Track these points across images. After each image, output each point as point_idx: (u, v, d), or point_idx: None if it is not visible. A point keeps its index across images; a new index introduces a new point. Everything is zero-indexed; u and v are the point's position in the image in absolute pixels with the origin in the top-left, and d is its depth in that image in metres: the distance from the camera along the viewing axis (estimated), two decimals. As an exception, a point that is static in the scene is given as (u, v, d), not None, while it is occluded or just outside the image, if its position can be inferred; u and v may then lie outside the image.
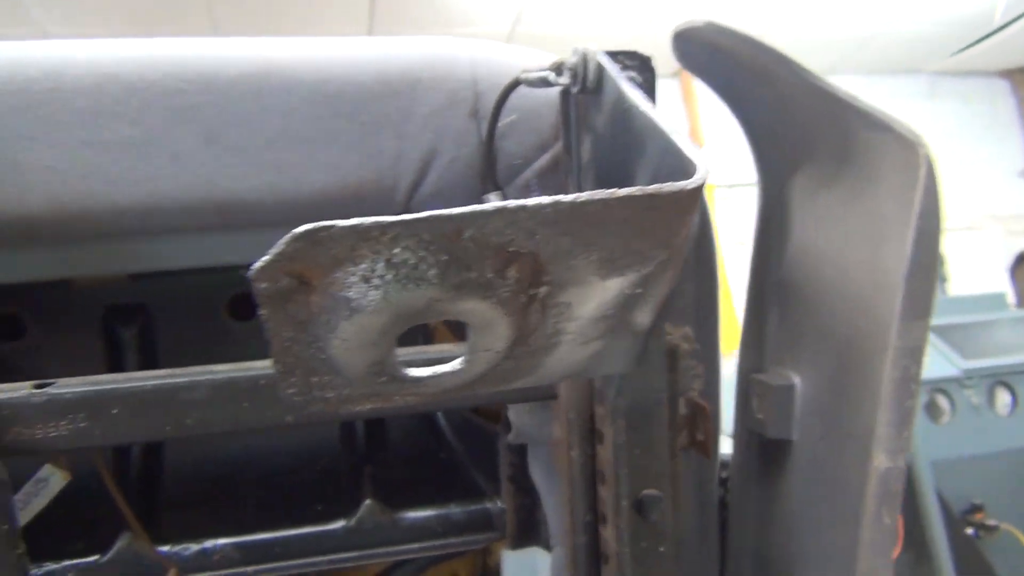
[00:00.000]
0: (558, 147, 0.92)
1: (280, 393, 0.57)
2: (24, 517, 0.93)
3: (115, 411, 0.74)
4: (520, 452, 1.02)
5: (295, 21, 4.51)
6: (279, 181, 0.87)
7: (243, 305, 1.17)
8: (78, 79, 0.84)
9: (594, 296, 0.56)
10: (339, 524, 1.00)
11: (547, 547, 1.04)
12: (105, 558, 0.94)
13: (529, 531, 1.05)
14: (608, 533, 0.79)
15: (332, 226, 0.47)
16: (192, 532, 0.99)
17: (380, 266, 0.49)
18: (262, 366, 0.77)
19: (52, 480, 1.05)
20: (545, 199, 0.49)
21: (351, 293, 0.50)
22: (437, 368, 0.57)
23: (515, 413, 0.98)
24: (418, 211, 0.93)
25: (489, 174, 0.91)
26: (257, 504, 1.05)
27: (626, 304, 0.58)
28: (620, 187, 0.51)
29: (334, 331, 0.51)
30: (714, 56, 0.92)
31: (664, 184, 0.50)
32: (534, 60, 0.91)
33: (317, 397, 0.58)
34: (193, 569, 0.97)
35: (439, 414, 1.22)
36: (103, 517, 1.02)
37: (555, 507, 0.99)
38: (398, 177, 0.90)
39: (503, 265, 0.51)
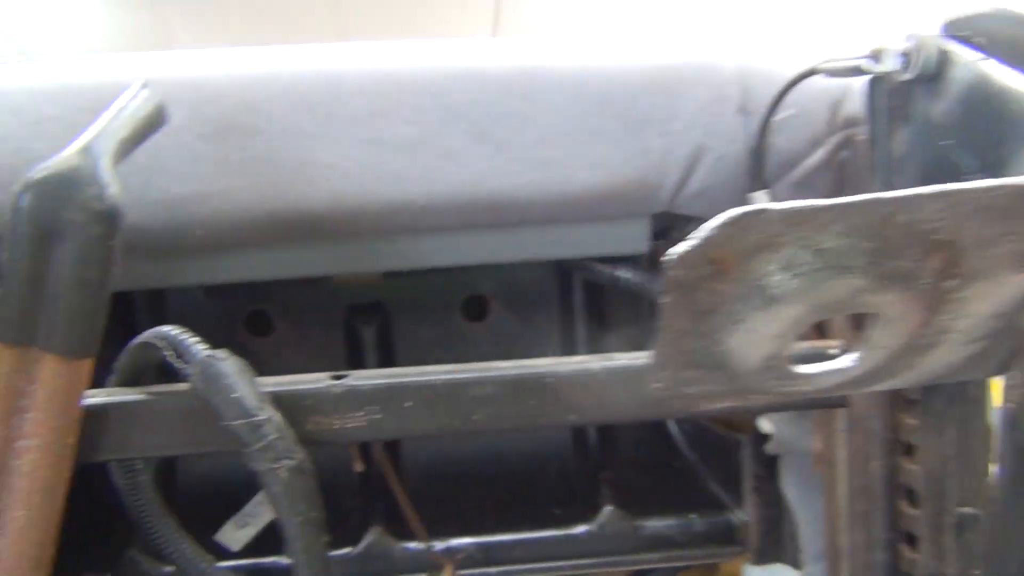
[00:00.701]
0: (832, 143, 0.88)
1: (648, 385, 0.55)
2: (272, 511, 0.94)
3: (408, 404, 0.74)
4: (767, 462, 0.98)
5: (419, 23, 4.55)
6: (546, 178, 0.87)
7: (476, 306, 1.17)
8: (356, 81, 0.86)
9: (995, 292, 0.52)
10: (581, 529, 0.98)
11: (794, 564, 0.99)
12: (357, 551, 0.95)
13: (774, 546, 1.00)
14: (920, 553, 0.73)
15: (765, 210, 0.44)
16: (434, 530, 0.98)
17: (805, 253, 0.46)
18: (547, 364, 0.76)
19: (297, 472, 1.07)
20: (991, 182, 0.45)
21: (769, 281, 0.47)
22: (828, 365, 0.54)
23: (774, 422, 0.93)
24: (683, 210, 0.91)
25: (758, 172, 0.88)
26: (495, 505, 1.04)
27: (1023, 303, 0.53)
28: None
29: (740, 322, 0.49)
30: (992, 45, 0.86)
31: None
32: (796, 59, 0.88)
33: (680, 393, 0.56)
34: (437, 567, 0.96)
35: (671, 421, 1.18)
36: (345, 511, 1.04)
37: (812, 522, 0.94)
38: (664, 175, 0.88)
39: (924, 255, 0.48)
